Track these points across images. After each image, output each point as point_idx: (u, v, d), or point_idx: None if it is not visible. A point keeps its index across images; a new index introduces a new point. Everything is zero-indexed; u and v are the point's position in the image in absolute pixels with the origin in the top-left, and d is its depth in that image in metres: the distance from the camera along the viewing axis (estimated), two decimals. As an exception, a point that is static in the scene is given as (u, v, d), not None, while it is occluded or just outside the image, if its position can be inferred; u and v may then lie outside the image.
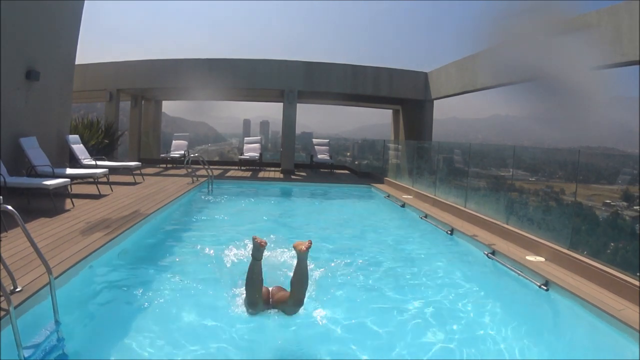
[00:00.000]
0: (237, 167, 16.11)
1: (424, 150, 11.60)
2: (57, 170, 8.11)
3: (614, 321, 3.61)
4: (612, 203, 7.09)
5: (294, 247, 3.39)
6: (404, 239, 7.54)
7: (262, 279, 3.43)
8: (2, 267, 3.45)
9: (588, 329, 3.85)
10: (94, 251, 4.75)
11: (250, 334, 3.66)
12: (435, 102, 15.51)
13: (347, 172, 16.50)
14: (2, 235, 4.93)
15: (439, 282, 5.40)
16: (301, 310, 3.58)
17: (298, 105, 15.41)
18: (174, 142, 16.74)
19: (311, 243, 3.35)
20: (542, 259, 5.24)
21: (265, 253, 3.45)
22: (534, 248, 5.57)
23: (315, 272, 5.10)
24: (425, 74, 15.58)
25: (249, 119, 54.54)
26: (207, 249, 5.75)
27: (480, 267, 5.68)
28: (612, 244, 6.32)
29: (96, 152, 11.99)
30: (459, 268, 5.91)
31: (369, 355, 3.53)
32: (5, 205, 3.34)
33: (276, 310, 3.54)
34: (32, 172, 7.94)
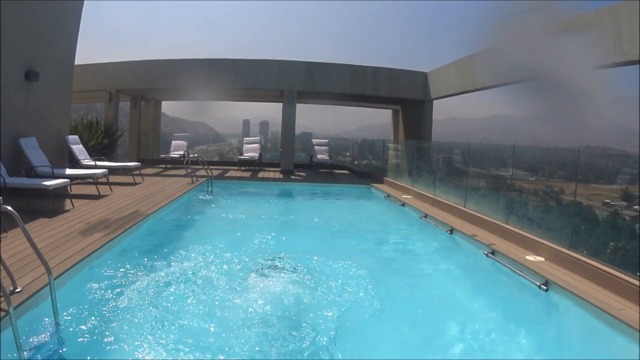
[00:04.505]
0: (236, 168, 16.11)
1: (424, 150, 11.60)
2: (57, 171, 8.11)
3: (614, 321, 3.61)
4: (611, 203, 7.08)
5: None
6: (404, 239, 7.54)
7: None
8: (2, 267, 3.44)
9: (587, 329, 3.85)
10: (94, 251, 4.75)
11: (251, 333, 3.65)
12: (434, 102, 15.52)
13: (346, 172, 16.50)
14: (2, 235, 4.92)
15: (439, 282, 5.41)
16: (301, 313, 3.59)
17: (298, 105, 15.41)
18: (173, 142, 16.74)
19: None
20: (542, 259, 5.24)
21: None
22: (534, 248, 5.57)
23: (314, 273, 5.10)
24: (425, 74, 15.58)
25: (249, 119, 54.40)
26: (207, 249, 5.75)
27: (479, 267, 5.68)
28: (611, 244, 6.31)
29: (96, 152, 11.98)
30: (458, 268, 5.91)
31: (365, 357, 3.53)
32: (5, 206, 3.34)
33: None
34: (32, 172, 7.94)
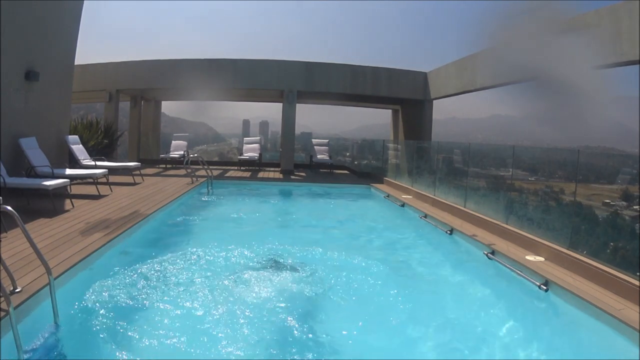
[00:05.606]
0: (236, 168, 16.11)
1: (424, 150, 11.60)
2: (57, 171, 8.11)
3: (614, 321, 3.61)
4: (611, 203, 7.09)
5: None
6: (404, 239, 7.54)
7: None
8: (2, 267, 3.44)
9: (587, 329, 3.85)
10: (94, 251, 4.75)
11: (251, 332, 3.65)
12: (434, 102, 15.52)
13: (346, 172, 16.51)
14: (2, 235, 4.93)
15: (439, 282, 5.41)
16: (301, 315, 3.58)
17: (298, 105, 15.41)
18: (173, 142, 16.74)
19: None
20: (542, 259, 5.24)
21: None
22: (534, 248, 5.57)
23: (314, 274, 5.10)
24: (425, 74, 15.58)
25: (249, 119, 54.38)
26: (206, 249, 5.74)
27: (479, 267, 5.68)
28: (611, 244, 6.32)
29: (96, 152, 11.98)
30: (458, 268, 5.91)
31: (366, 354, 3.54)
32: (5, 206, 3.34)
33: None
34: (32, 172, 7.94)
